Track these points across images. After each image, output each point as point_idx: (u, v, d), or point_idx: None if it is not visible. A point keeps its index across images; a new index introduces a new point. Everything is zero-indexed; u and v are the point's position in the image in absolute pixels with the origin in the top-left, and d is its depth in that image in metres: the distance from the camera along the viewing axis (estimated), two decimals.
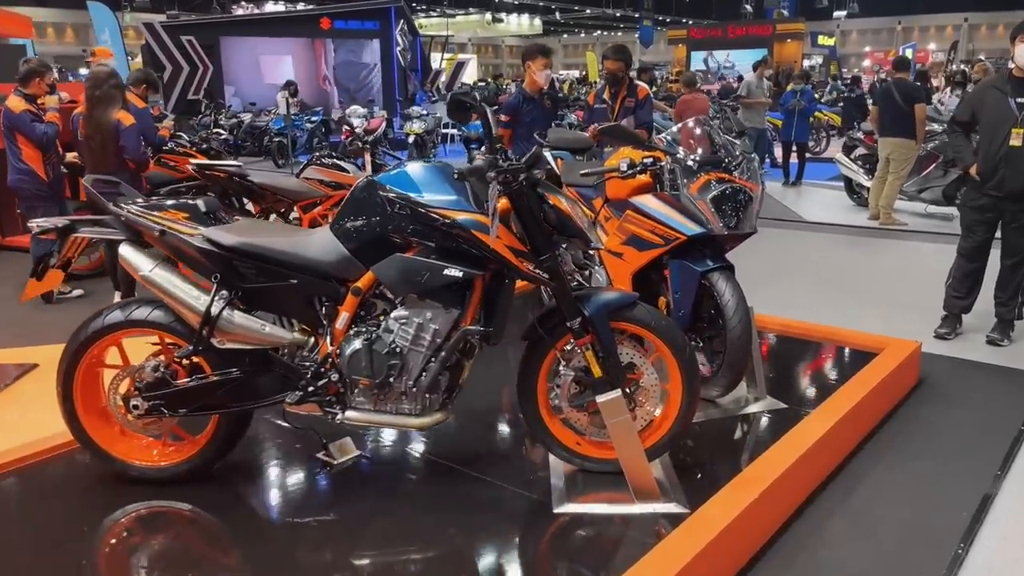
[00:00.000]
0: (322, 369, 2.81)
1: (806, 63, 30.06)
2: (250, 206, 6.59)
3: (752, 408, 3.67)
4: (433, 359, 2.76)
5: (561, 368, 2.90)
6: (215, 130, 16.75)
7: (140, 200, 2.87)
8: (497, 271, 2.72)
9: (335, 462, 3.12)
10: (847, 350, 4.48)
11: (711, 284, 3.49)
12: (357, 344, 2.75)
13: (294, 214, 6.28)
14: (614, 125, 3.56)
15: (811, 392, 3.95)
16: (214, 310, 2.72)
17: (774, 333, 4.76)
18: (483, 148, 2.71)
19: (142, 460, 2.98)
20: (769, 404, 3.70)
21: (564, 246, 2.78)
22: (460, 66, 24.99)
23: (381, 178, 2.73)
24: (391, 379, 2.76)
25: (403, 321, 2.76)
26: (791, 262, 7.52)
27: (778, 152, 13.07)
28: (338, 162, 6.22)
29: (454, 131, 16.59)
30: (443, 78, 23.50)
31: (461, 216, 2.58)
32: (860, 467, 3.36)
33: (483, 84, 29.19)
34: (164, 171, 7.14)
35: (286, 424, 3.26)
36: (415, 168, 2.71)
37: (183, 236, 2.74)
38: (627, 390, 2.86)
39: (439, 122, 16.63)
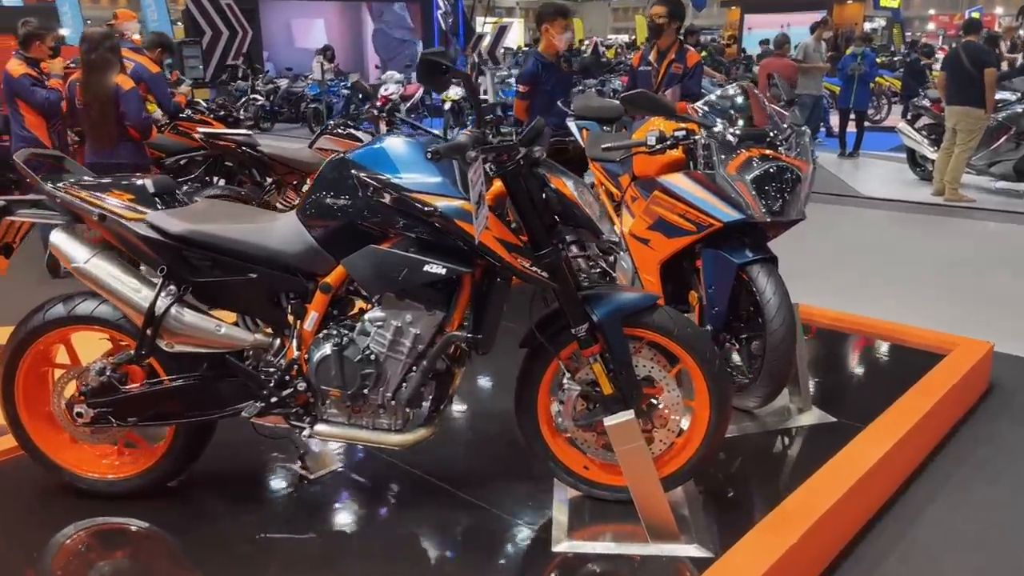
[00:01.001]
0: (287, 377, 2.43)
1: (868, 26, 28.61)
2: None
3: (795, 421, 3.20)
4: (414, 368, 2.36)
5: (565, 381, 2.47)
6: (252, 96, 16.52)
7: (84, 179, 2.50)
8: (488, 268, 2.29)
9: (311, 476, 2.76)
10: (908, 350, 3.95)
11: (750, 278, 3.01)
12: (326, 349, 2.36)
13: (308, 186, 5.90)
14: (638, 92, 3.08)
15: (865, 402, 3.44)
16: (159, 308, 2.34)
17: (822, 328, 4.24)
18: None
19: (93, 471, 2.64)
20: (815, 417, 3.22)
21: (570, 237, 2.33)
22: (503, 30, 24.28)
23: (354, 155, 2.31)
24: (365, 390, 2.37)
25: (379, 324, 2.36)
26: (844, 243, 6.92)
27: (834, 120, 12.31)
28: (353, 131, 5.82)
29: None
30: (485, 43, 22.86)
31: (443, 203, 2.16)
32: (920, 495, 2.87)
33: (527, 48, 28.43)
34: (180, 140, 6.81)
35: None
36: (394, 144, 2.29)
37: (124, 222, 2.36)
38: (643, 407, 2.43)
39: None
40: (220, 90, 17.29)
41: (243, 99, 16.23)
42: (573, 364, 2.47)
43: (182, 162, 6.65)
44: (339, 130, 5.87)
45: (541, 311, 2.45)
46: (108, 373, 2.47)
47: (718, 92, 3.31)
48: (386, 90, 13.01)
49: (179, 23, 20.28)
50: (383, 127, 5.48)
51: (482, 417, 3.28)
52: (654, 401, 2.47)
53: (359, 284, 2.34)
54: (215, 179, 6.99)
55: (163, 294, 2.36)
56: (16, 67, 5.56)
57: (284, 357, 2.44)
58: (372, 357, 2.35)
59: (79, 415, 2.49)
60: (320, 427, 2.45)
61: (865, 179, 9.91)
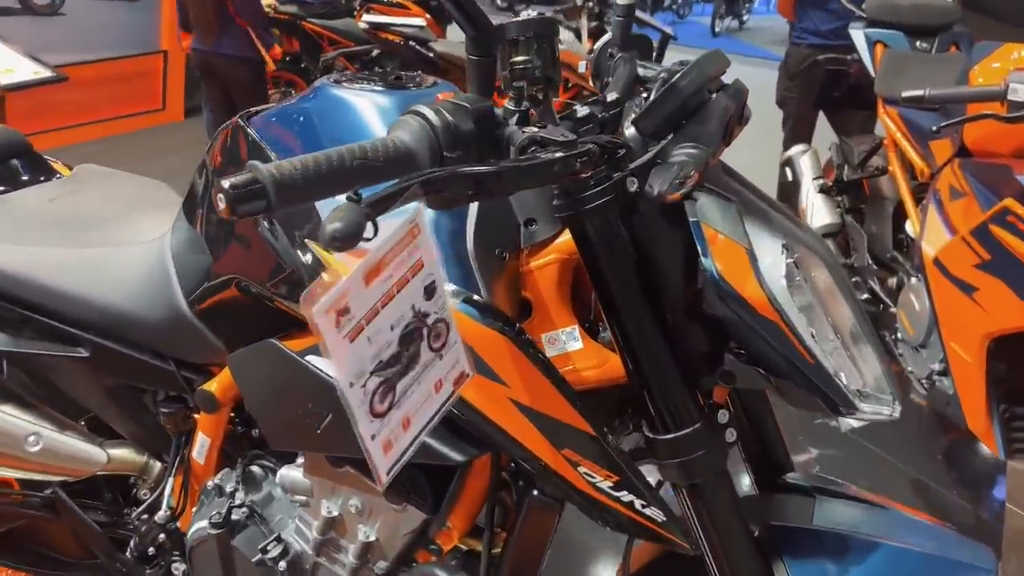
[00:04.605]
0: (156, 539, 1.25)
1: None
2: None
3: None
4: None
5: None
6: None
7: None
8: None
9: None
10: None
11: None
12: (203, 525, 1.14)
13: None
14: None
15: None
16: None
17: None
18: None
19: None
20: None
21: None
22: None
23: (258, 124, 0.99)
24: None
25: (300, 499, 1.08)
26: None
27: None
28: None
29: None
30: None
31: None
32: None
33: None
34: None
35: None
36: (338, 104, 0.93)
37: None
38: None
39: None
40: None
41: None
42: None
43: (373, 54, 5.62)
44: None
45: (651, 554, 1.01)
46: None
47: None
48: None
49: None
50: (583, 21, 3.91)
51: None
52: None
53: (251, 413, 1.07)
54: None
55: None
56: None
57: (167, 499, 1.25)
58: (286, 559, 1.10)
59: None
60: None
61: None
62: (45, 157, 1.42)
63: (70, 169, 1.44)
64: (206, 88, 4.34)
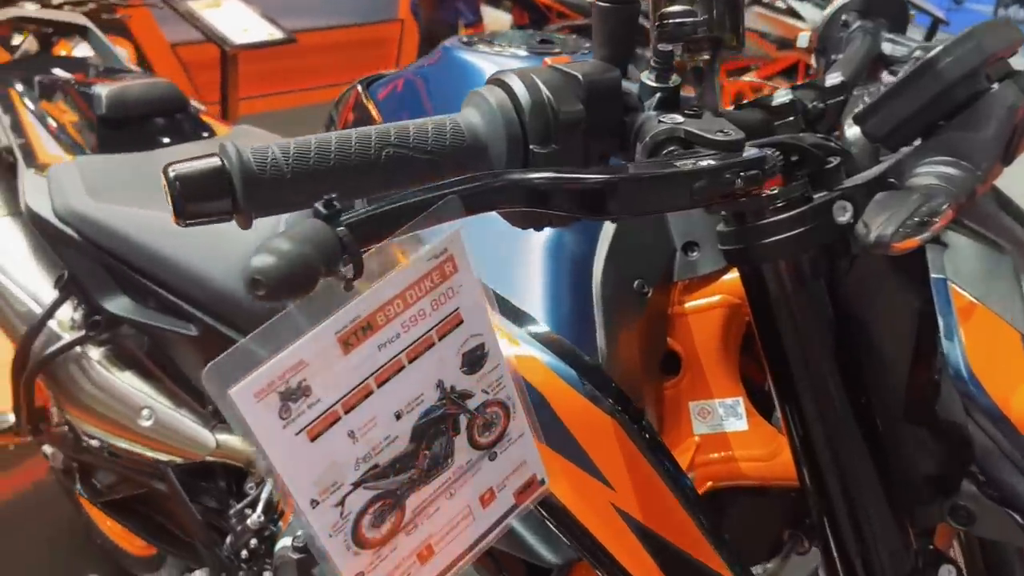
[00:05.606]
0: (246, 545, 1.15)
1: None
2: None
3: None
4: None
5: None
6: None
7: (47, 78, 1.42)
8: None
9: None
10: None
11: None
12: (288, 543, 1.01)
13: None
14: None
15: None
16: (42, 345, 1.21)
17: None
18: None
19: (120, 540, 1.74)
20: None
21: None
22: None
23: (383, 85, 0.83)
24: None
25: None
26: None
27: None
28: (794, 4, 3.86)
29: None
30: None
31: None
32: None
33: None
34: None
35: None
36: (472, 65, 0.73)
37: (21, 172, 1.23)
38: None
39: None
40: None
41: None
42: None
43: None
44: (775, 2, 3.96)
45: None
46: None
47: None
48: None
49: None
50: None
51: None
52: None
53: None
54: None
55: (59, 322, 1.21)
56: None
57: (263, 502, 1.15)
58: None
59: (46, 456, 1.56)
60: None
61: None
62: (201, 112, 1.37)
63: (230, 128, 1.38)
64: None
